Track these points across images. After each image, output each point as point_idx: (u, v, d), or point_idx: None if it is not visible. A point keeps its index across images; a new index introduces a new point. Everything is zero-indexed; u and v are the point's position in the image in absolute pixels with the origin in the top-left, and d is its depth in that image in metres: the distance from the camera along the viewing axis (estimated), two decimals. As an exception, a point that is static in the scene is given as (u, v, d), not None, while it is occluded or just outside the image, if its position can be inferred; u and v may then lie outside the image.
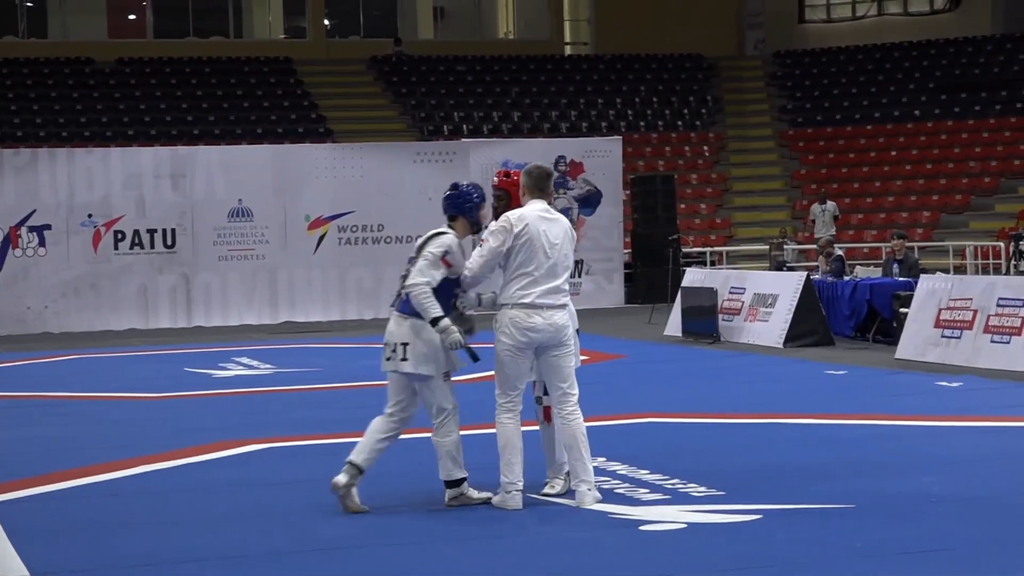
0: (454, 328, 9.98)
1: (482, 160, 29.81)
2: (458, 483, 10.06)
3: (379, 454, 10.14)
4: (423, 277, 10.00)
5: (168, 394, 17.29)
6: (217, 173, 28.31)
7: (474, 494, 10.06)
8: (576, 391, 10.26)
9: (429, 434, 10.12)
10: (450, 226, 10.38)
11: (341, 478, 9.95)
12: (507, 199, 10.58)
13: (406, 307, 10.09)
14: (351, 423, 13.88)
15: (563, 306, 10.27)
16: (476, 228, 10.36)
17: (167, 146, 32.70)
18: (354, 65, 46.62)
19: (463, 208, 10.37)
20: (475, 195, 10.38)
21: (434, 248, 10.12)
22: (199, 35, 48.20)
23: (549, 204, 10.43)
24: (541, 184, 10.42)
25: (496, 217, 10.43)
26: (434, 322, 9.94)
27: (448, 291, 10.20)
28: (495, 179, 10.83)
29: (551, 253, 10.24)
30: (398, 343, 10.06)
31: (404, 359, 10.02)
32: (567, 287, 10.37)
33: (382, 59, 46.78)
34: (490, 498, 9.97)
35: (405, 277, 10.15)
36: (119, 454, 12.67)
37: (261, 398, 16.92)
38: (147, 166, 28.18)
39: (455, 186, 10.49)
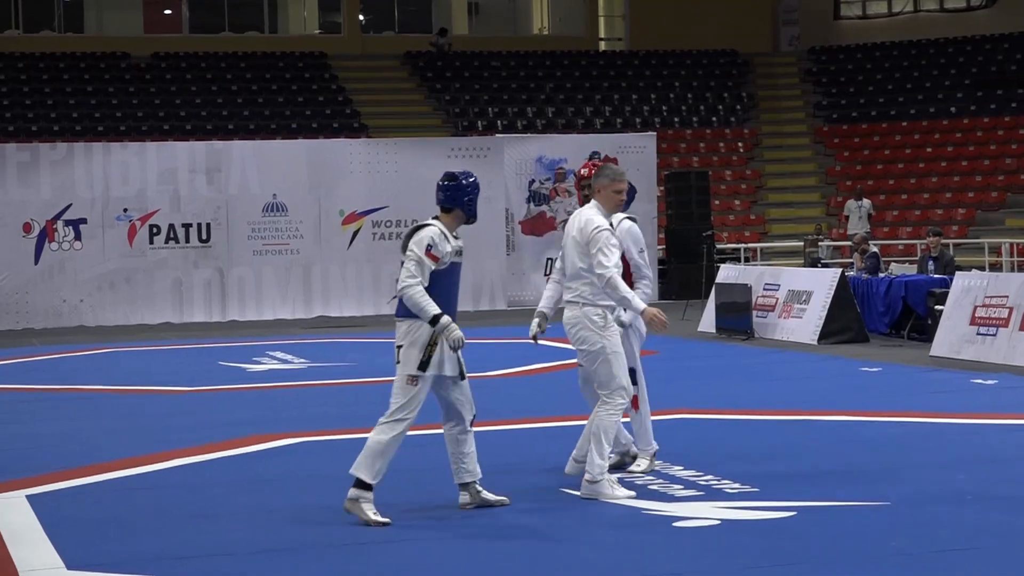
0: (455, 325, 9.63)
1: (516, 155, 29.82)
2: (365, 486, 9.49)
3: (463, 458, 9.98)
4: (413, 278, 9.71)
5: (202, 388, 17.33)
6: (252, 168, 28.37)
7: (370, 511, 9.43)
8: (609, 390, 10.24)
9: (440, 430, 10.10)
10: (437, 216, 10.03)
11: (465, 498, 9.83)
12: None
13: (401, 309, 9.83)
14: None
15: (569, 303, 10.43)
16: (471, 219, 10.10)
17: (202, 140, 32.77)
18: (389, 60, 46.67)
19: (462, 201, 10.07)
20: (474, 188, 10.14)
21: (415, 247, 9.76)
22: (234, 30, 48.32)
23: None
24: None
25: (582, 204, 10.68)
26: (433, 320, 9.60)
27: (447, 286, 9.82)
28: (583, 170, 11.02)
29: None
30: (396, 346, 9.83)
31: (398, 362, 9.82)
32: (574, 286, 10.40)
33: (416, 54, 46.81)
34: (386, 523, 9.35)
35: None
36: (153, 447, 12.71)
37: (295, 392, 16.96)
38: (182, 160, 28.26)
39: (453, 176, 10.09)
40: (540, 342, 11.41)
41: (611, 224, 10.40)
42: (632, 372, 10.62)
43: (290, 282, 28.39)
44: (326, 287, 28.53)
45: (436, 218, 10.02)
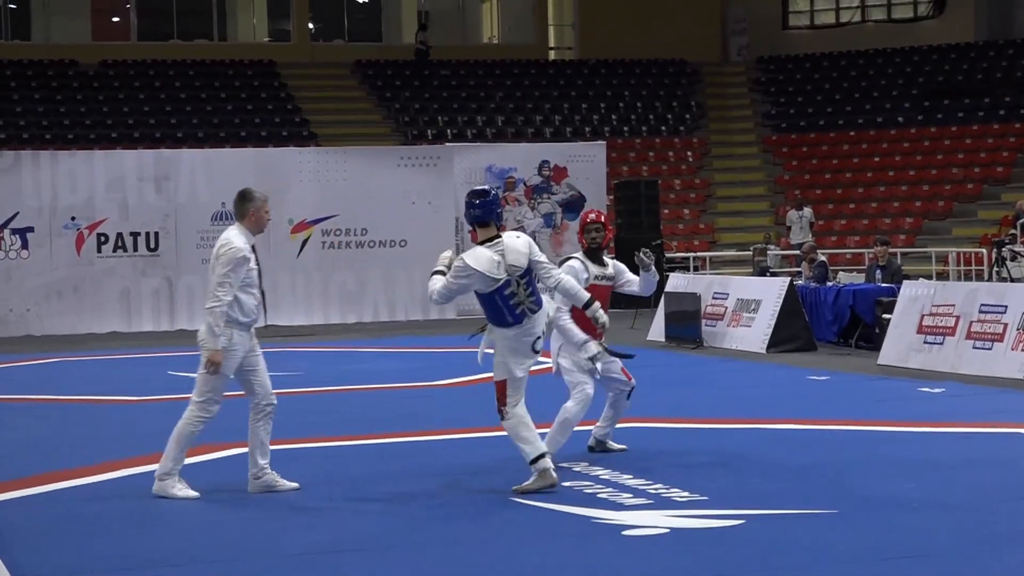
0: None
1: (466, 164, 29.84)
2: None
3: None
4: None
5: (152, 397, 17.27)
6: (200, 176, 28.29)
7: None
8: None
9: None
10: (475, 231, 10.70)
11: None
12: (604, 231, 11.95)
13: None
14: (331, 427, 13.91)
15: None
16: (500, 230, 10.72)
17: (150, 149, 32.68)
18: (338, 68, 46.61)
19: (495, 214, 10.68)
20: (498, 200, 10.83)
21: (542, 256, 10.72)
22: (183, 37, 48.15)
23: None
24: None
25: (594, 246, 11.86)
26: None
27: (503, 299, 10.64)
28: (592, 215, 12.03)
29: None
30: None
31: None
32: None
33: (366, 63, 46.77)
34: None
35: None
36: (103, 457, 12.67)
37: (243, 402, 16.88)
38: (130, 169, 28.15)
39: (485, 192, 10.65)
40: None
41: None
42: None
43: (239, 291, 28.32)
44: (275, 296, 28.42)
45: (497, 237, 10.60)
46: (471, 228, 10.80)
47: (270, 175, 28.49)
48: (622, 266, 12.10)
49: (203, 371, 10.80)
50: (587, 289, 11.23)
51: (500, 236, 10.57)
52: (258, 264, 10.90)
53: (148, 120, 41.78)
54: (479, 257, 10.44)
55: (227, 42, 49.06)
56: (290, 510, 10.20)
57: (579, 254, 11.93)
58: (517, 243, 10.50)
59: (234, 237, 10.82)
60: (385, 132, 43.20)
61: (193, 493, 10.61)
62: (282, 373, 19.65)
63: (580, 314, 11.22)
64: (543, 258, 10.71)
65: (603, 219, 12.01)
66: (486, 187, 10.80)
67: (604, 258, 11.97)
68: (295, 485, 10.77)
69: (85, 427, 15.03)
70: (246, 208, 10.91)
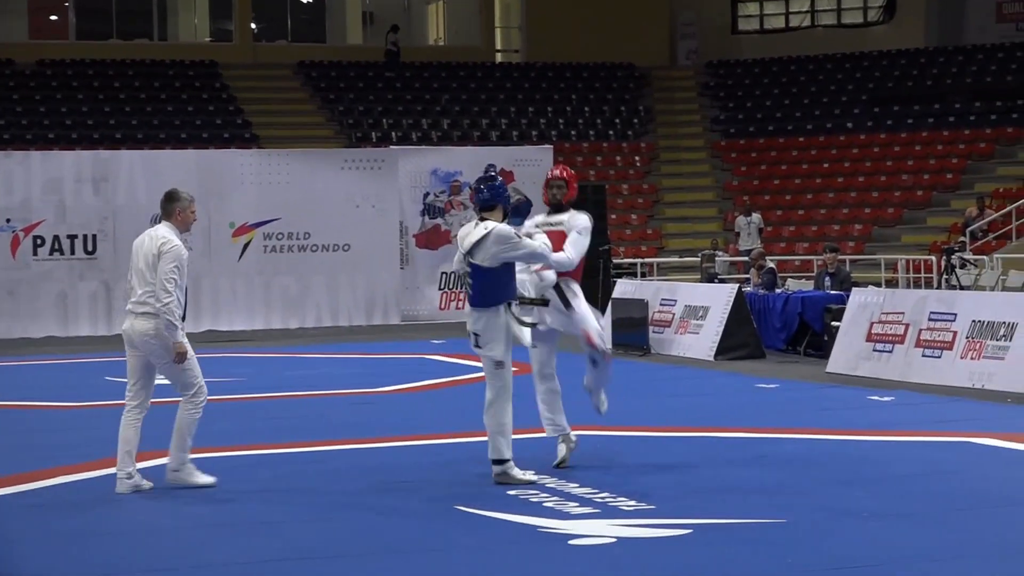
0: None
1: (411, 168, 29.77)
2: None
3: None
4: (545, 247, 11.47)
5: (89, 403, 17.13)
6: (140, 178, 28.10)
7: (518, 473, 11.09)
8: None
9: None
10: (484, 217, 11.20)
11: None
12: (565, 188, 12.20)
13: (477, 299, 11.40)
14: (274, 433, 13.85)
15: None
16: (508, 213, 11.25)
17: (89, 149, 32.46)
18: (281, 70, 46.46)
19: (503, 197, 11.32)
20: (504, 184, 11.48)
21: (514, 238, 11.19)
22: (122, 37, 47.87)
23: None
24: None
25: (555, 202, 12.12)
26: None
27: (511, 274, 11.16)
28: (556, 171, 12.31)
29: None
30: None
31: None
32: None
33: (310, 64, 46.64)
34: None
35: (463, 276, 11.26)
36: (39, 464, 12.56)
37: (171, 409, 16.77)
38: (68, 170, 27.95)
39: (492, 177, 11.40)
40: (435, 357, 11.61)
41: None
42: None
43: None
44: (215, 301, 28.31)
45: (482, 219, 11.19)
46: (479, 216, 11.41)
47: (211, 177, 28.35)
48: (580, 223, 12.11)
49: (178, 365, 11.47)
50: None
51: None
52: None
53: (86, 121, 41.53)
54: None
55: (168, 42, 48.81)
56: (232, 518, 10.13)
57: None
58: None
59: (173, 236, 11.29)
60: (329, 134, 43.08)
61: (210, 479, 11.23)
62: (223, 379, 19.55)
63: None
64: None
65: (568, 176, 12.27)
66: (492, 173, 11.14)
67: (566, 213, 12.17)
68: (211, 480, 11.22)
69: (18, 435, 14.89)
70: (172, 208, 11.48)
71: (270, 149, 33.35)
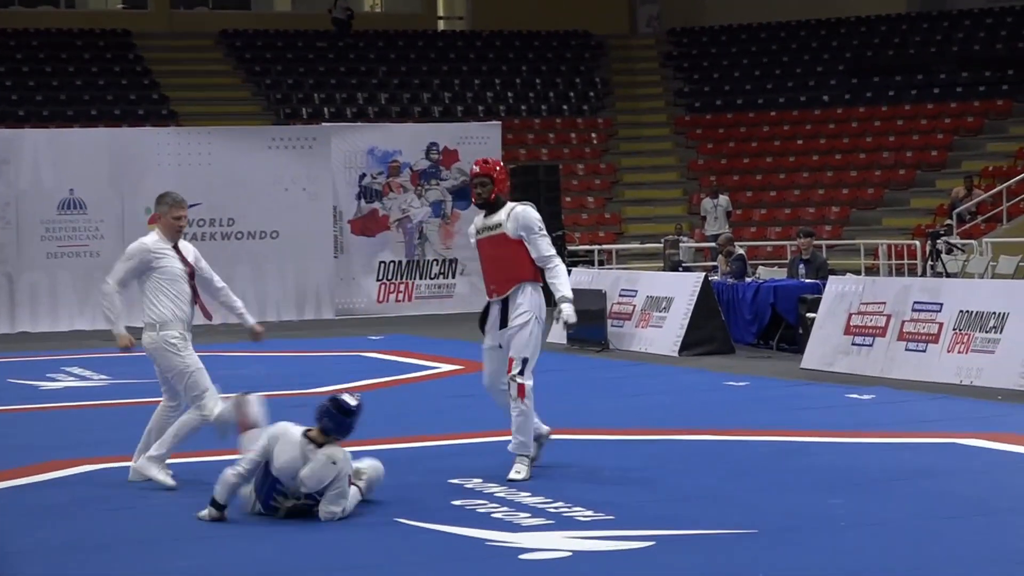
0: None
1: (345, 147, 29.73)
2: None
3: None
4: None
5: (-11, 408, 17.08)
6: (45, 159, 27.95)
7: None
8: None
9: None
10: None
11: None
12: (491, 184, 11.92)
13: None
14: (196, 440, 13.78)
15: None
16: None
17: (-12, 129, 32.25)
18: (201, 39, 46.28)
19: (343, 429, 10.78)
20: None
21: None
22: (25, 4, 47.59)
23: None
24: None
25: (480, 201, 11.97)
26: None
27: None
28: (476, 167, 12.04)
29: None
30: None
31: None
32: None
33: (233, 33, 46.50)
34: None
35: None
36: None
37: (95, 412, 16.76)
38: (-35, 151, 27.77)
39: (336, 410, 10.81)
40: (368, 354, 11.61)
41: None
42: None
43: (90, 289, 27.91)
44: (128, 294, 28.14)
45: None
46: None
47: (125, 158, 28.24)
48: (525, 222, 11.95)
49: (178, 375, 12.02)
50: (478, 246, 11.98)
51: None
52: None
53: (-14, 96, 41.27)
54: None
55: (76, 9, 48.58)
56: (157, 534, 10.09)
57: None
58: None
59: (146, 240, 12.30)
60: (255, 110, 42.97)
61: (171, 482, 11.63)
62: (140, 380, 19.48)
63: None
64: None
65: (489, 169, 11.99)
66: (345, 407, 10.71)
67: (502, 211, 11.97)
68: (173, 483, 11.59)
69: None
70: (157, 211, 12.48)
71: (190, 127, 33.23)
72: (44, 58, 43.71)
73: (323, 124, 34.60)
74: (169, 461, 11.79)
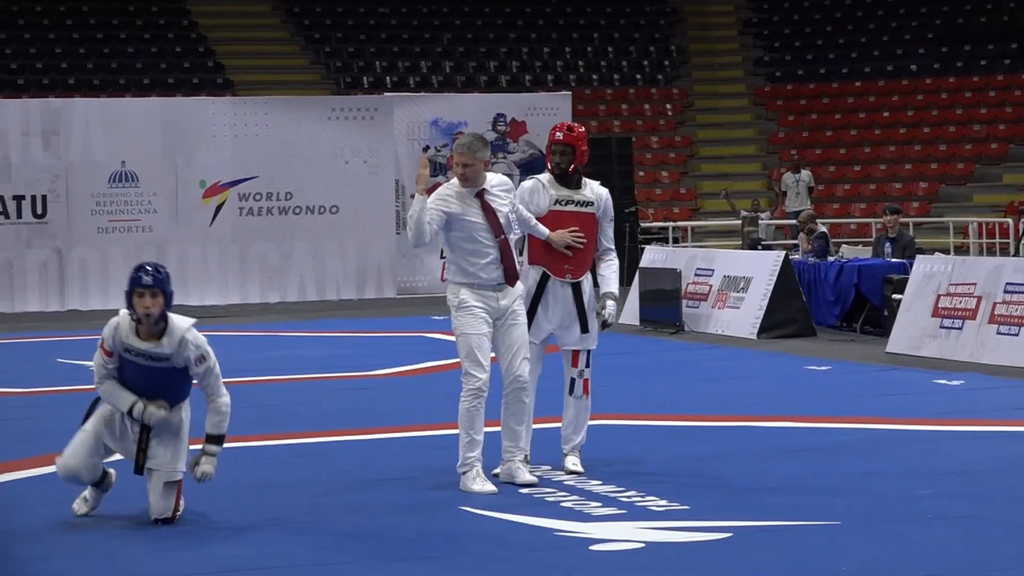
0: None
1: (408, 118, 29.79)
2: None
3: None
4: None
5: (38, 389, 17.20)
6: (96, 130, 28.13)
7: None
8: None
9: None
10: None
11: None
12: (572, 154, 11.67)
13: None
14: (251, 424, 13.88)
15: None
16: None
17: (38, 98, 32.46)
18: (259, 4, 46.46)
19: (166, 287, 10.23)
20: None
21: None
22: (76, -32, 47.86)
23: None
24: None
25: (559, 171, 11.67)
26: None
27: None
28: (559, 134, 11.73)
29: None
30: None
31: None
32: None
33: (292, -2, 46.60)
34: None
35: None
36: (-20, 459, 12.60)
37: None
38: (14, 122, 27.97)
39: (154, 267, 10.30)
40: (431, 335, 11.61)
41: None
42: None
43: (141, 265, 28.14)
44: (184, 271, 28.32)
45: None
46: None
47: (178, 129, 28.39)
48: (609, 206, 11.90)
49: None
50: (547, 216, 11.59)
51: None
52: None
53: (34, 64, 41.55)
54: None
55: (128, -27, 48.81)
56: (198, 521, 10.16)
57: (544, 175, 11.88)
58: None
59: None
60: (314, 79, 43.10)
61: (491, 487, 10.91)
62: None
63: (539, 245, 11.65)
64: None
65: (572, 138, 11.74)
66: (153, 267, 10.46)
67: (583, 182, 11.81)
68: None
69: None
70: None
71: (246, 96, 33.38)
72: (95, 24, 43.97)
73: (385, 94, 34.65)
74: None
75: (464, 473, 10.92)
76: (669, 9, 48.55)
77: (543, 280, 11.65)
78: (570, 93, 33.24)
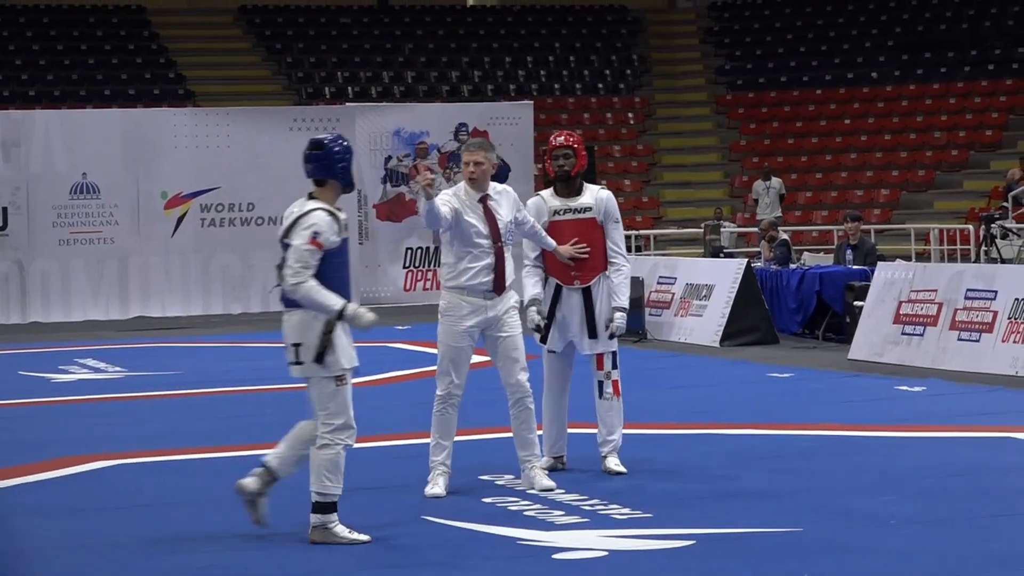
0: (363, 309, 9.95)
1: (370, 128, 29.73)
2: (328, 507, 9.68)
3: (299, 464, 9.97)
4: (305, 271, 9.98)
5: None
6: (57, 142, 28.02)
7: (343, 532, 9.70)
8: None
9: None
10: (312, 194, 10.29)
11: (250, 482, 9.86)
12: (574, 157, 11.98)
13: (288, 300, 10.02)
14: (216, 435, 13.85)
15: None
16: (348, 188, 10.39)
17: (-2, 110, 32.37)
18: (220, 15, 46.39)
19: (335, 170, 10.32)
20: (345, 152, 10.30)
21: (298, 241, 10.10)
22: (36, -21, 47.76)
23: None
24: None
25: (560, 178, 11.93)
26: (340, 315, 9.86)
27: (338, 266, 10.07)
28: (560, 139, 12.03)
29: None
30: (289, 343, 10.00)
31: (297, 362, 9.96)
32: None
33: (253, 9, 46.55)
34: (367, 540, 9.65)
35: (281, 267, 10.05)
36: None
37: (110, 406, 16.80)
38: (-27, 133, 27.86)
39: (319, 144, 10.27)
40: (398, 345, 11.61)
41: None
42: None
43: (103, 276, 28.09)
44: (145, 282, 28.27)
45: (312, 196, 10.25)
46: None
47: (139, 140, 28.29)
48: (614, 208, 12.10)
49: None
50: (550, 228, 11.79)
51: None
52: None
53: (-5, 76, 41.43)
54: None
55: (88, -16, 48.72)
56: (160, 533, 10.14)
57: (546, 191, 12.18)
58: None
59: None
60: (275, 90, 43.05)
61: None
62: (157, 373, 19.57)
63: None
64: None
65: (573, 142, 12.08)
66: (327, 138, 10.44)
67: (583, 188, 12.07)
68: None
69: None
70: None
71: (207, 107, 33.30)
72: (55, 35, 43.85)
73: (347, 104, 34.59)
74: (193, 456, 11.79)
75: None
76: (631, 18, 48.63)
77: (558, 290, 11.99)
78: (532, 102, 33.23)
